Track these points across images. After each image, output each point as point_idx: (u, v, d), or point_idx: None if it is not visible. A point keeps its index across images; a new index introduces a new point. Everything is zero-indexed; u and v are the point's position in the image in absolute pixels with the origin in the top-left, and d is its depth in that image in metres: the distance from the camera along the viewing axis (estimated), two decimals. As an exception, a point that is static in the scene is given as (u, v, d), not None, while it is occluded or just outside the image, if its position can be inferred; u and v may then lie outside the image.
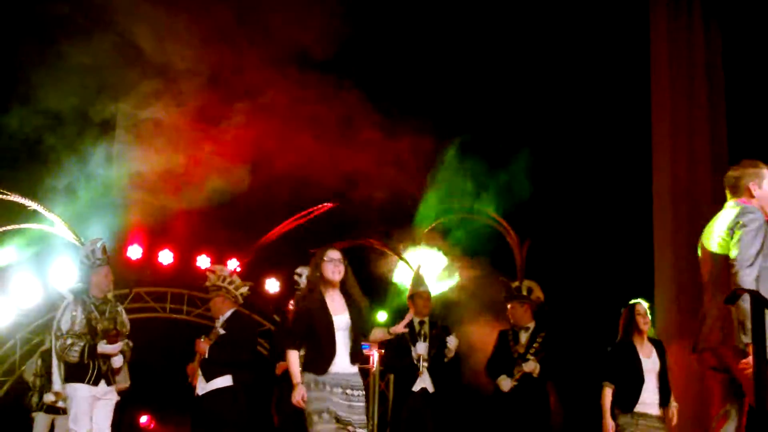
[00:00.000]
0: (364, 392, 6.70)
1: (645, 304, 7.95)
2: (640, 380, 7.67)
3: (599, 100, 12.64)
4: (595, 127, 12.63)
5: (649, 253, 12.57)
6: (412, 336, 8.90)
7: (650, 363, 7.77)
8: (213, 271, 8.91)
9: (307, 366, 6.60)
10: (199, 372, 8.44)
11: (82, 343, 7.97)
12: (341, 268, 6.70)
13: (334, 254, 6.73)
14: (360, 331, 6.77)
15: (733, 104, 12.77)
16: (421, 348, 8.82)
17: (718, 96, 12.88)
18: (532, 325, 9.24)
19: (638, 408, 7.62)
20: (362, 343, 10.44)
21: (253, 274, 10.44)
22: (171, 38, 10.03)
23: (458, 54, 12.23)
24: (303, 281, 8.57)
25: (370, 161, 10.64)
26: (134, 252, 11.63)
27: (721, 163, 12.49)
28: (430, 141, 11.01)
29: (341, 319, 6.64)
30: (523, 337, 9.11)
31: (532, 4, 12.53)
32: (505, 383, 8.92)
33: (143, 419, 12.79)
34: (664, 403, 7.77)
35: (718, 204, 12.12)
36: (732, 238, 5.75)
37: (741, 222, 5.74)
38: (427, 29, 12.03)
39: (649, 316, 7.90)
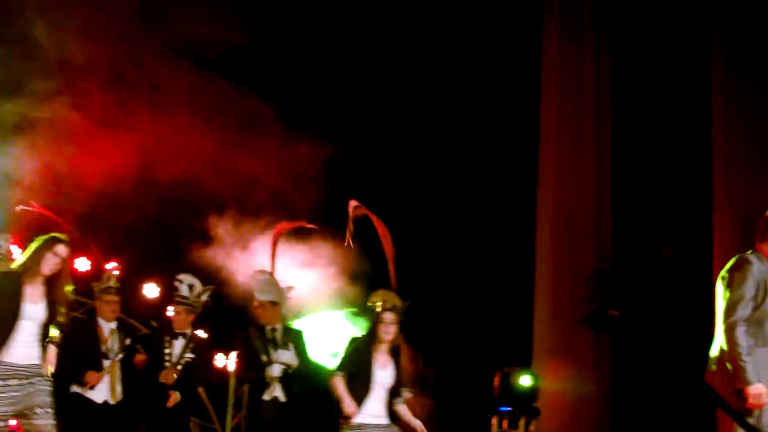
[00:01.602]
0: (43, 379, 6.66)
1: (392, 316, 7.52)
2: (366, 390, 7.41)
3: (489, 118, 13.07)
4: (483, 143, 13.03)
5: (530, 272, 12.98)
6: (264, 345, 8.90)
7: (384, 375, 7.48)
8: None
9: None
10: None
11: None
12: (59, 267, 6.68)
13: (62, 250, 6.69)
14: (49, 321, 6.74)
15: (619, 126, 13.29)
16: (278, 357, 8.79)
17: (604, 119, 13.40)
18: None
19: (365, 419, 7.36)
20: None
21: (131, 279, 10.54)
22: (67, 33, 10.03)
23: (357, 66, 12.51)
24: (184, 288, 8.69)
25: (267, 167, 10.80)
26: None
27: (604, 182, 13.01)
28: (328, 149, 11.23)
29: (33, 309, 6.62)
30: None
31: (430, 23, 12.87)
32: None
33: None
34: (392, 418, 7.55)
35: (600, 224, 12.75)
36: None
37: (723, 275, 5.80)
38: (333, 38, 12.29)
39: (395, 327, 7.51)
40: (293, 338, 8.76)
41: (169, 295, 9.08)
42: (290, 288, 9.08)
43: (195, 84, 10.86)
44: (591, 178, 13.21)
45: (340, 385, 7.44)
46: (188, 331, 8.75)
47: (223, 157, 10.90)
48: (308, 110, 11.75)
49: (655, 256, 12.39)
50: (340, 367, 7.59)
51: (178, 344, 8.67)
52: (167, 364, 8.58)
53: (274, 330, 8.73)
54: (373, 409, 7.43)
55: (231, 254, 10.27)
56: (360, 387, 7.45)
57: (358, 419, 7.38)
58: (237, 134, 10.96)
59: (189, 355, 8.65)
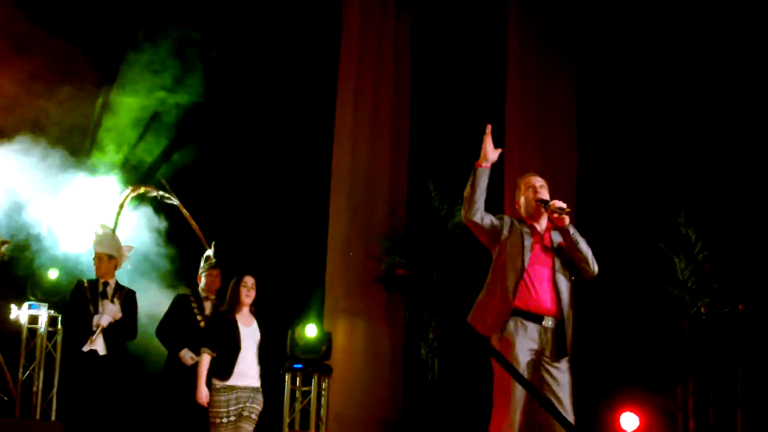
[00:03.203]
0: None
1: (252, 279, 8.06)
2: (236, 349, 7.78)
3: (287, 80, 13.17)
4: (281, 102, 13.13)
5: (324, 228, 13.22)
6: (94, 297, 8.91)
7: (250, 331, 7.90)
8: None
9: None
10: None
11: None
12: None
13: None
14: None
15: (417, 90, 13.64)
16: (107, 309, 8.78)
17: (403, 80, 13.71)
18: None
19: (236, 380, 7.71)
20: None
21: None
22: None
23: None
24: None
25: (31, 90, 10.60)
26: None
27: (400, 143, 13.36)
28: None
29: None
30: (208, 307, 9.20)
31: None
32: (188, 356, 8.92)
33: None
34: (263, 375, 7.97)
35: (395, 186, 13.03)
36: None
37: None
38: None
39: (254, 291, 8.03)
40: (125, 296, 8.89)
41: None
42: (130, 248, 9.22)
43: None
44: (388, 138, 13.46)
45: (204, 368, 7.71)
46: None
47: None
48: (80, 34, 11.51)
49: (448, 220, 12.84)
50: (207, 344, 7.85)
51: None
52: None
53: (106, 284, 8.93)
54: (243, 370, 7.72)
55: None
56: (228, 349, 7.75)
57: (230, 381, 7.65)
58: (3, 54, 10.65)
59: None
